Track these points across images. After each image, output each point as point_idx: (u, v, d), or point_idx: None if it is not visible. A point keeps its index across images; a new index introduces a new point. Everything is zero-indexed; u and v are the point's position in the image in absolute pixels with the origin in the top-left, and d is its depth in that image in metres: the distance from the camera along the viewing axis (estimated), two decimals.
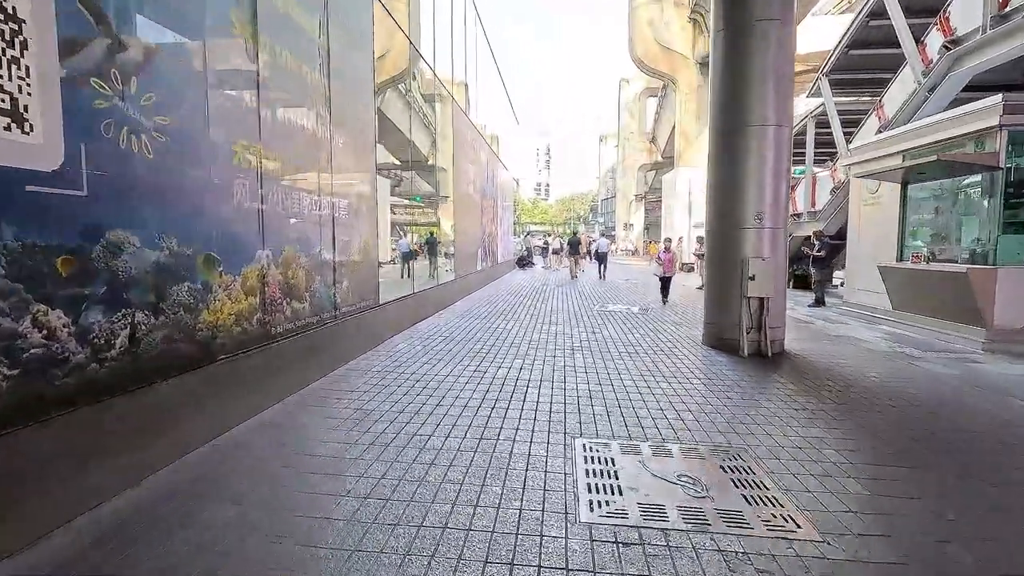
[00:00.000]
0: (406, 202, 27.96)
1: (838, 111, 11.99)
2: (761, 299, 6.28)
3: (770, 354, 6.19)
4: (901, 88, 9.73)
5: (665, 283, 11.21)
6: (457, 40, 12.37)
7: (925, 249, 7.97)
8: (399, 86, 18.86)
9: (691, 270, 22.81)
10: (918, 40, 9.15)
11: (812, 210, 13.08)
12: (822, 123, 12.91)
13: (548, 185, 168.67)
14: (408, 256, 16.65)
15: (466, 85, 15.30)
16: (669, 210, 25.33)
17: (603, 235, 24.42)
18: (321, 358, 4.80)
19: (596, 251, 18.55)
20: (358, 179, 5.78)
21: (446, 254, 10.62)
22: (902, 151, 8.09)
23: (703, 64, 22.80)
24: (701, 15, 21.73)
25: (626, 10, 24.66)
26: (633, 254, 42.27)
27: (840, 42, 11.61)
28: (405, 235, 23.61)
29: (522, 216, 78.21)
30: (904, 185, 8.25)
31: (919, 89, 8.93)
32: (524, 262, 24.22)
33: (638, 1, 23.26)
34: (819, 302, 10.97)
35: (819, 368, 5.69)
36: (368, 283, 6.07)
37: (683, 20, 22.74)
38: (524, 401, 4.30)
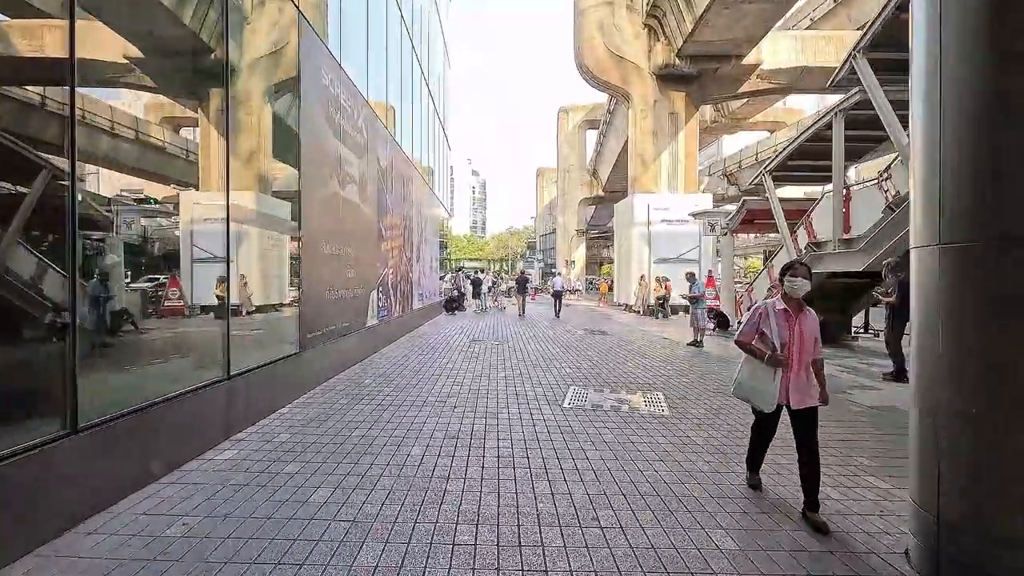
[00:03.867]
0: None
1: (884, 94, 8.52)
2: None
3: None
4: None
5: (769, 427, 3.36)
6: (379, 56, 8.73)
7: None
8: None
9: (653, 314, 19.04)
10: None
11: (846, 237, 9.48)
12: (856, 120, 9.49)
13: (484, 222, 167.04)
14: None
15: (393, 108, 11.82)
16: (625, 244, 21.70)
17: (557, 275, 21.63)
18: None
19: (552, 290, 18.59)
20: None
21: (279, 305, 5.54)
22: None
23: (660, 76, 19.90)
24: (657, 19, 18.90)
25: (572, 17, 21.58)
26: (575, 293, 38.62)
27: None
28: None
29: (454, 253, 73.73)
30: None
31: None
32: (453, 305, 19.32)
33: (587, 3, 20.17)
34: (900, 374, 6.99)
35: None
36: None
37: (636, 27, 19.87)
38: None
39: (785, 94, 22.04)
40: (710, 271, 20.31)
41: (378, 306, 9.17)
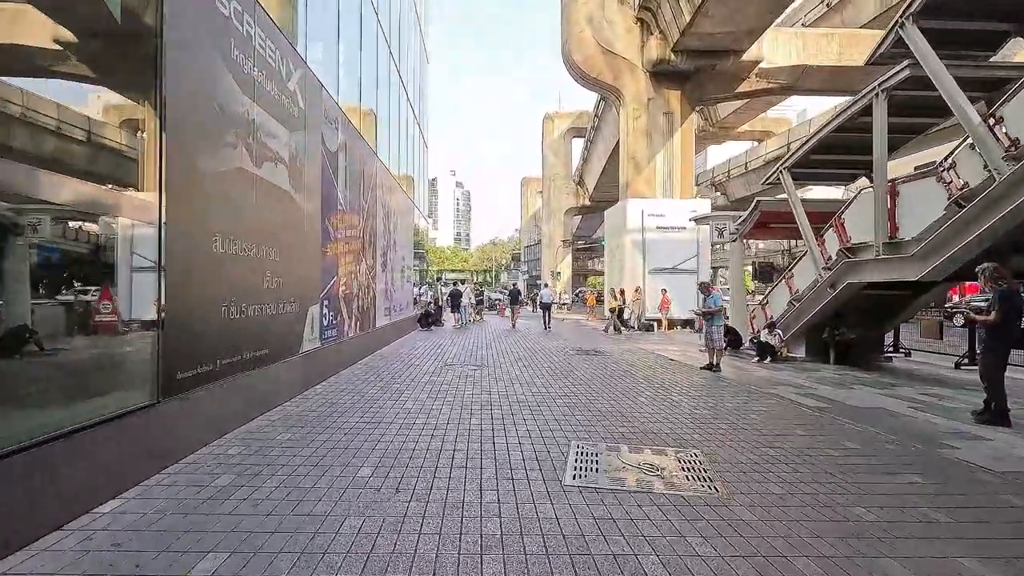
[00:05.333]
0: None
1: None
2: None
3: None
4: None
5: None
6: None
7: None
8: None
9: (649, 328, 17.44)
10: None
11: (893, 239, 7.91)
12: (902, 102, 7.97)
13: (469, 234, 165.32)
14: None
15: (374, 115, 11.17)
16: (617, 253, 20.10)
17: (545, 286, 20.64)
18: None
19: (540, 301, 18.15)
20: None
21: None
22: None
23: (653, 73, 18.52)
24: (651, 11, 17.53)
25: (559, 12, 20.16)
26: (563, 306, 36.84)
27: None
28: None
29: (436, 264, 71.90)
30: None
31: None
32: (430, 320, 17.39)
33: None
34: (1001, 416, 5.30)
35: None
36: None
37: (629, 20, 18.50)
38: None
39: (784, 95, 20.94)
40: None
41: (322, 324, 7.24)
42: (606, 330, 16.61)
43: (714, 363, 8.87)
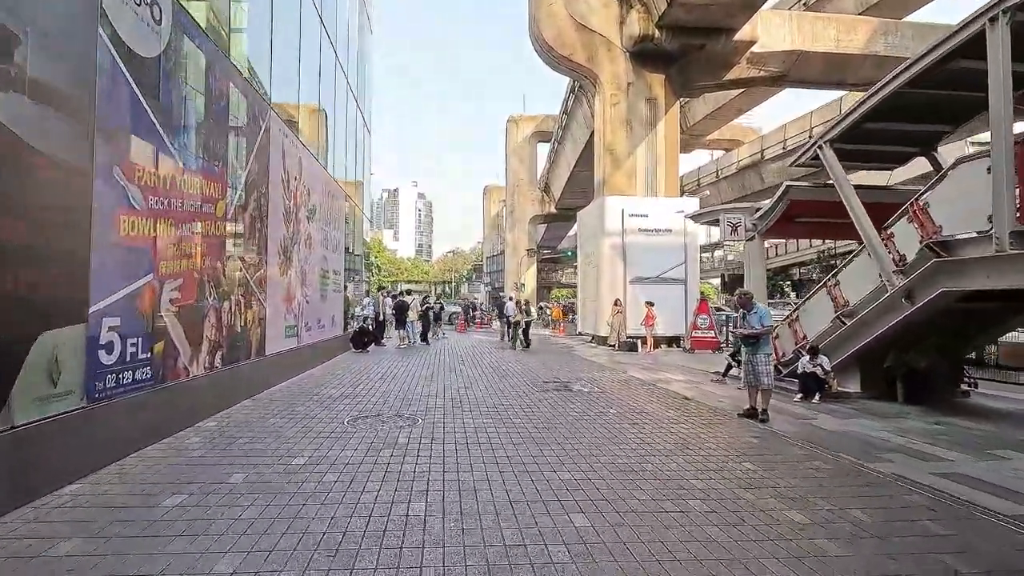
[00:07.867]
0: None
1: None
2: None
3: None
4: None
5: None
6: None
7: None
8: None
9: (632, 348, 14.71)
10: None
11: (1022, 228, 5.38)
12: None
13: (431, 245, 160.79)
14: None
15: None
16: (593, 259, 17.34)
17: (509, 299, 18.06)
18: None
19: (505, 315, 16.38)
20: None
21: None
22: None
23: (634, 54, 16.06)
24: None
25: None
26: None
27: None
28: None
29: (396, 276, 67.94)
30: None
31: None
32: (366, 338, 13.92)
33: None
34: None
35: None
36: None
37: None
38: None
39: (776, 85, 19.02)
40: (702, 295, 16.34)
41: (98, 363, 3.87)
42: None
43: (760, 408, 6.04)
